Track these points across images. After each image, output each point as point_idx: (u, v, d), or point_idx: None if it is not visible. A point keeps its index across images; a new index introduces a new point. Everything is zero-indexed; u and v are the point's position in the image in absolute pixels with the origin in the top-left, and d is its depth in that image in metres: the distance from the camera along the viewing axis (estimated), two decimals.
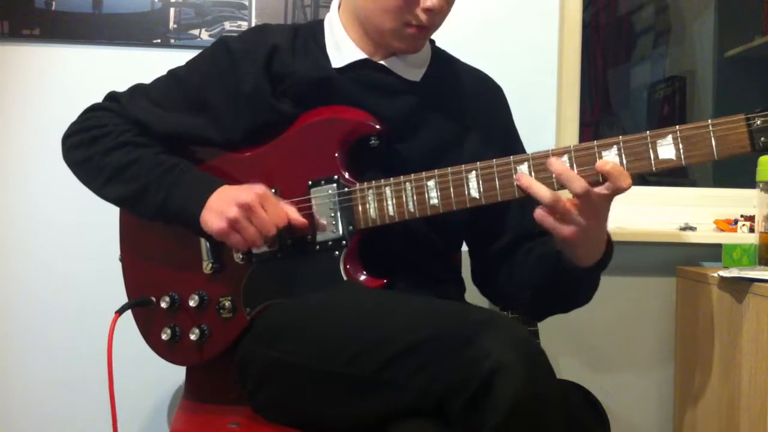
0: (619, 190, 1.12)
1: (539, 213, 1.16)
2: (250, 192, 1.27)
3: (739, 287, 1.64)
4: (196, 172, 1.36)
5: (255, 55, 1.37)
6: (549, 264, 1.27)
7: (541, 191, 1.14)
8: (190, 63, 1.45)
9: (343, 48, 1.38)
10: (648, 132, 1.13)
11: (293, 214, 1.30)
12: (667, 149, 1.12)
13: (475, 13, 1.95)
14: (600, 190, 1.12)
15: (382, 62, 1.38)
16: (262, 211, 1.26)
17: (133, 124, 1.40)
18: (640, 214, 2.05)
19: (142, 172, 1.34)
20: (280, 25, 1.47)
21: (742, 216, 2.01)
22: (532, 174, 1.18)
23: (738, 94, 2.82)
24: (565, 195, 1.15)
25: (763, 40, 2.66)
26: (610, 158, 1.13)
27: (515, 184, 1.18)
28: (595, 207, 1.13)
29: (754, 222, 1.88)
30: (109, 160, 1.36)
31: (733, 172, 2.15)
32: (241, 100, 1.37)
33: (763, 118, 1.06)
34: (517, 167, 1.19)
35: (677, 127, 1.11)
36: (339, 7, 1.41)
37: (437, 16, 1.31)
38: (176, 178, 1.33)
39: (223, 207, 1.27)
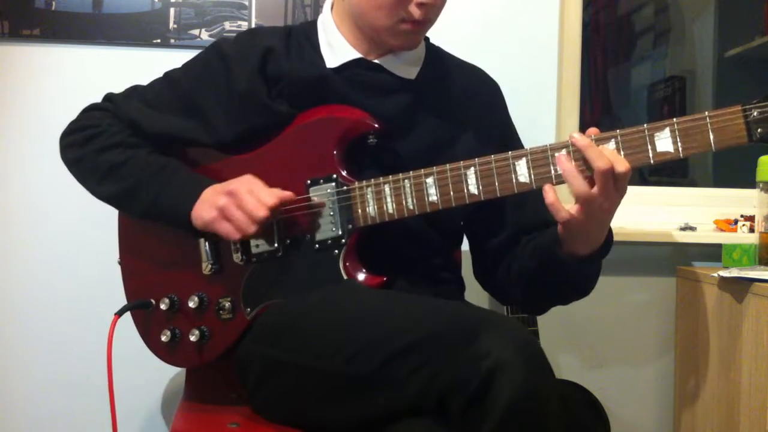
0: (619, 176, 1.11)
1: (552, 199, 1.15)
2: (237, 180, 1.29)
3: (739, 287, 1.64)
4: (187, 171, 1.37)
5: (249, 58, 1.38)
6: (545, 254, 1.27)
7: (579, 182, 1.13)
8: (185, 66, 1.46)
9: (336, 48, 1.39)
10: (646, 125, 1.13)
11: (281, 192, 1.29)
12: (664, 142, 1.12)
13: (475, 12, 1.95)
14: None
15: (376, 61, 1.38)
16: (249, 196, 1.27)
17: (126, 125, 1.41)
18: (640, 214, 2.05)
19: (134, 171, 1.36)
20: (273, 27, 1.48)
21: (742, 216, 2.01)
22: (531, 170, 1.18)
23: (738, 95, 2.80)
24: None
25: (763, 40, 2.66)
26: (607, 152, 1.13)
27: (554, 167, 1.16)
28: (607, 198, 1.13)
29: (754, 222, 1.88)
30: (101, 159, 1.38)
31: (733, 172, 2.15)
32: (235, 103, 1.37)
33: (759, 110, 1.07)
34: (516, 163, 1.19)
35: (675, 119, 1.12)
36: (332, 8, 1.42)
37: (431, 10, 1.31)
38: (167, 176, 1.35)
39: (212, 197, 1.29)
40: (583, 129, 2.06)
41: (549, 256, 1.26)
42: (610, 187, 1.12)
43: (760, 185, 1.76)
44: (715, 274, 1.71)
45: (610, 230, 1.25)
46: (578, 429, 1.27)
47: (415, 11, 1.29)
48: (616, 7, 3.26)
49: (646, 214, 2.06)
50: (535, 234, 1.35)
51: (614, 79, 3.25)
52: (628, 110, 3.33)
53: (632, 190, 2.10)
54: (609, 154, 1.12)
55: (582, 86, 2.06)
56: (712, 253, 1.97)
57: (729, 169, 2.54)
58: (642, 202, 2.08)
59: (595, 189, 1.12)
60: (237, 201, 1.27)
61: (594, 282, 1.32)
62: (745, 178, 1.91)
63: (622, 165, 1.11)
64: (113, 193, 1.38)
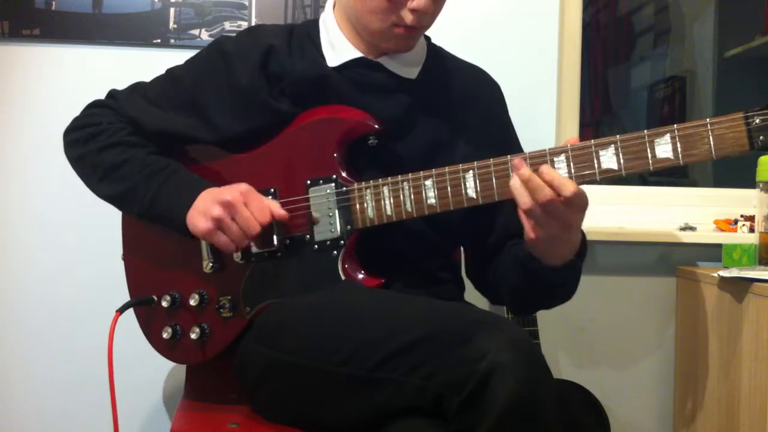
0: (567, 200, 1.11)
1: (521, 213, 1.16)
2: (234, 190, 1.28)
3: (739, 287, 1.64)
4: (184, 174, 1.37)
5: (250, 56, 1.38)
6: (521, 264, 1.28)
7: (522, 198, 1.14)
8: (186, 63, 1.46)
9: (338, 47, 1.39)
10: (646, 131, 1.12)
11: (276, 209, 1.30)
12: (664, 148, 1.11)
13: (475, 13, 1.95)
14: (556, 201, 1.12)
15: (377, 60, 1.38)
16: (244, 209, 1.27)
17: (127, 122, 1.42)
18: (640, 214, 2.05)
19: (131, 173, 1.36)
20: (275, 26, 1.47)
21: (742, 216, 2.01)
22: None
23: (738, 94, 2.81)
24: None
25: (763, 40, 2.66)
26: (607, 158, 1.13)
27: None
28: (561, 217, 1.13)
29: (754, 222, 1.88)
30: (101, 158, 1.38)
31: (733, 172, 2.15)
32: (236, 100, 1.37)
33: (761, 117, 1.06)
34: None
35: (675, 126, 1.11)
36: (333, 7, 1.42)
37: (424, 16, 1.31)
38: (163, 180, 1.35)
39: (207, 206, 1.28)
40: (582, 129, 2.08)
41: (524, 266, 1.27)
42: (559, 213, 1.12)
43: (760, 185, 1.76)
44: (715, 274, 1.71)
45: (584, 238, 1.25)
46: (577, 429, 1.27)
47: (408, 16, 1.29)
48: (616, 7, 3.26)
49: (646, 214, 2.06)
50: (516, 240, 1.35)
51: (614, 79, 3.25)
52: (628, 110, 3.33)
53: (632, 190, 2.13)
54: (555, 180, 1.11)
55: (582, 86, 2.06)
56: (712, 253, 1.97)
57: (729, 169, 2.53)
58: (642, 202, 2.08)
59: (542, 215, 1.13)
60: (232, 213, 1.27)
61: (573, 289, 1.32)
62: (745, 178, 1.90)
63: (568, 189, 1.10)
64: (111, 193, 1.39)
